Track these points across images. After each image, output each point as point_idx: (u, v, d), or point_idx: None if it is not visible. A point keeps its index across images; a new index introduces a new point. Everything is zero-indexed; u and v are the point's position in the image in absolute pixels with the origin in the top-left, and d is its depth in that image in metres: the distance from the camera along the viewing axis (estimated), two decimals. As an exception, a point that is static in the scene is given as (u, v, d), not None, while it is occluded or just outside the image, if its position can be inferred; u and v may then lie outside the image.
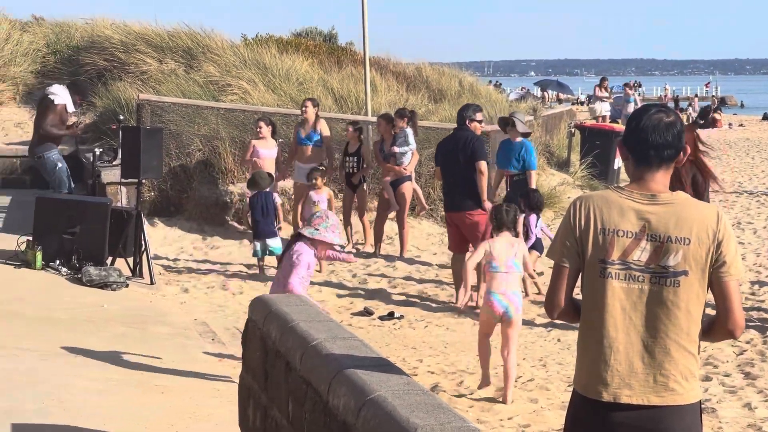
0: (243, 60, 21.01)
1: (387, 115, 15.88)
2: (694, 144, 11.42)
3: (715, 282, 4.29)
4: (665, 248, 4.30)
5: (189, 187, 16.87)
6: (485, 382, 9.22)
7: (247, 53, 21.62)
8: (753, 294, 13.36)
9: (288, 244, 8.81)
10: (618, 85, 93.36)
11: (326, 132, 15.79)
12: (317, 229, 8.48)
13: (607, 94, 35.37)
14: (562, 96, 68.75)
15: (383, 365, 5.07)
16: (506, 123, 14.85)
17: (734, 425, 8.34)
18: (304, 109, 15.64)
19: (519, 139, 14.54)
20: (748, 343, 11.05)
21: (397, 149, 15.20)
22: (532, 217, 12.85)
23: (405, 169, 15.33)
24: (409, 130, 15.32)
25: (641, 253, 4.33)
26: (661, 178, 4.42)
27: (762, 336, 11.29)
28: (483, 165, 12.41)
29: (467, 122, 12.61)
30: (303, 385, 5.25)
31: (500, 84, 69.87)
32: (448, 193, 12.72)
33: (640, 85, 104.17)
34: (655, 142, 4.43)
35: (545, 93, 64.53)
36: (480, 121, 12.74)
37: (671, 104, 63.66)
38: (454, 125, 13.34)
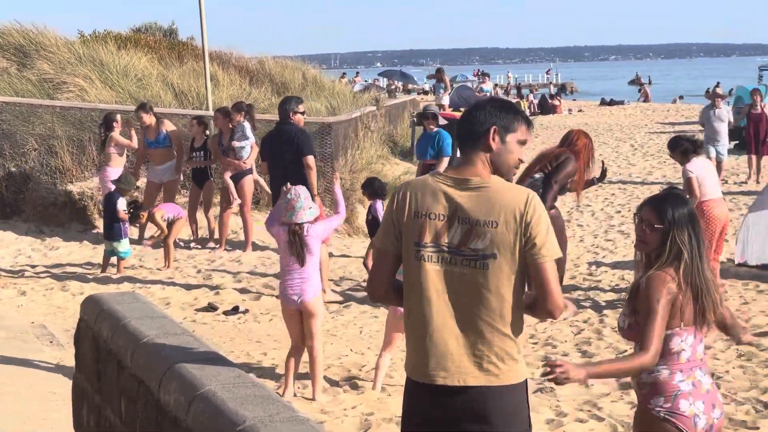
0: (78, 57, 20.58)
1: (224, 108, 15.79)
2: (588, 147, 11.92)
3: (530, 264, 4.35)
4: (474, 231, 4.36)
5: (25, 188, 16.50)
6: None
7: (83, 50, 21.18)
8: (591, 275, 13.69)
9: (296, 240, 8.56)
10: (462, 74, 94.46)
11: (171, 128, 15.73)
12: (304, 210, 8.50)
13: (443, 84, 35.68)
14: (407, 86, 69.29)
15: (214, 359, 5.04)
16: (425, 116, 15.04)
17: (571, 402, 8.52)
18: (140, 120, 15.54)
19: (435, 129, 14.67)
20: (585, 322, 11.32)
21: (235, 143, 15.11)
22: (378, 204, 12.90)
23: (245, 162, 15.24)
24: (247, 124, 15.22)
25: (453, 236, 4.40)
26: (476, 163, 4.48)
27: (598, 315, 11.57)
28: (311, 159, 12.32)
29: (290, 115, 12.45)
30: (135, 384, 5.18)
31: (358, 74, 70.10)
32: (277, 189, 12.43)
33: (483, 74, 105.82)
34: (462, 129, 4.55)
35: (395, 83, 64.92)
36: (303, 113, 12.66)
37: (514, 91, 64.78)
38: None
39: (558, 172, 11.68)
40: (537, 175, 11.92)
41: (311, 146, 12.56)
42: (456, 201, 4.41)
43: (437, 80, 34.81)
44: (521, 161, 4.59)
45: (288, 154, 12.24)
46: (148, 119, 15.63)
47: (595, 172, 12.38)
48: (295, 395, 8.63)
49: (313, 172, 12.35)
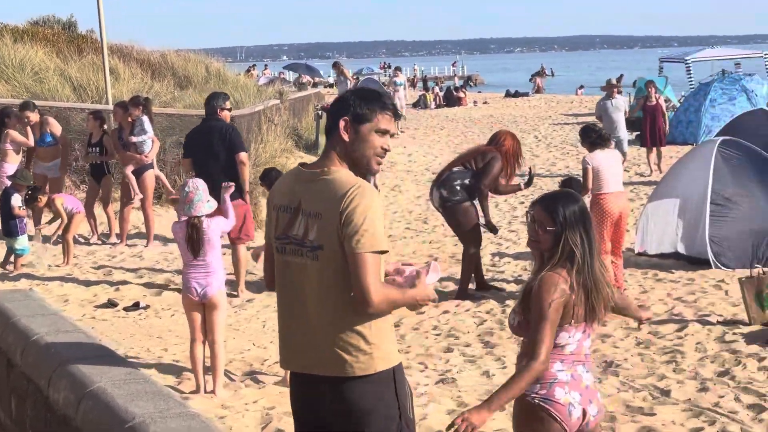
0: (-29, 51, 20.21)
1: (123, 103, 15.57)
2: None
3: (347, 255, 4.28)
4: (310, 223, 4.38)
5: None
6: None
7: (-24, 44, 20.80)
8: (494, 265, 13.78)
9: (194, 233, 8.44)
10: (368, 67, 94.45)
11: (57, 130, 15.47)
12: (202, 203, 8.39)
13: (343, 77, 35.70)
14: (314, 79, 69.09)
15: (106, 356, 4.98)
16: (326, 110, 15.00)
17: (473, 393, 8.55)
18: (26, 119, 15.23)
19: None
20: (488, 313, 11.39)
21: (134, 138, 14.92)
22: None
23: (146, 157, 15.05)
24: (145, 118, 15.02)
25: (298, 228, 4.42)
26: (330, 156, 4.49)
27: (501, 306, 11.64)
28: (244, 155, 12.28)
29: (218, 111, 12.36)
30: (24, 382, 5.10)
31: (267, 66, 69.61)
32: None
33: (390, 66, 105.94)
34: (327, 122, 4.60)
35: (305, 77, 64.67)
36: (229, 110, 12.58)
37: (420, 84, 64.94)
38: (200, 111, 13.14)
39: (486, 175, 11.99)
40: (456, 169, 12.08)
41: (242, 143, 12.53)
42: (301, 193, 4.43)
43: (338, 73, 34.82)
44: (386, 150, 4.54)
45: (219, 150, 12.11)
46: (34, 117, 15.32)
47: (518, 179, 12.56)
48: (205, 390, 8.55)
49: (246, 168, 12.28)
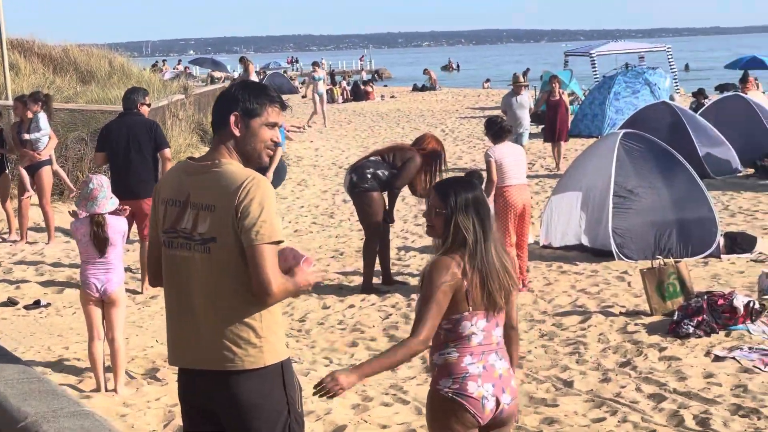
0: None
1: (23, 97, 15.30)
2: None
3: (245, 247, 4.29)
4: (200, 216, 4.37)
5: None
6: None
7: None
8: (399, 259, 13.79)
9: (98, 230, 8.28)
10: (275, 61, 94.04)
11: None
12: (106, 200, 8.33)
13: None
14: (221, 74, 68.65)
15: (0, 356, 4.87)
16: None
17: (377, 387, 8.55)
18: None
19: None
20: (393, 307, 11.40)
21: (28, 135, 14.68)
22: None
23: (39, 154, 14.78)
24: (43, 115, 14.79)
25: (186, 222, 4.40)
26: (220, 150, 4.48)
27: (407, 299, 11.65)
28: (168, 152, 12.26)
29: (138, 106, 12.23)
30: None
31: (180, 61, 68.89)
32: (121, 181, 12.03)
33: (297, 61, 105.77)
34: (212, 115, 4.59)
35: (216, 72, 64.16)
36: (149, 105, 12.50)
37: (328, 78, 64.86)
38: (103, 106, 13.01)
39: (400, 175, 12.09)
40: (372, 158, 12.17)
41: (166, 138, 12.52)
42: (189, 186, 4.42)
43: (243, 69, 34.68)
44: (276, 143, 4.56)
45: (144, 145, 12.04)
46: None
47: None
48: (106, 389, 8.44)
49: (170, 164, 12.14)
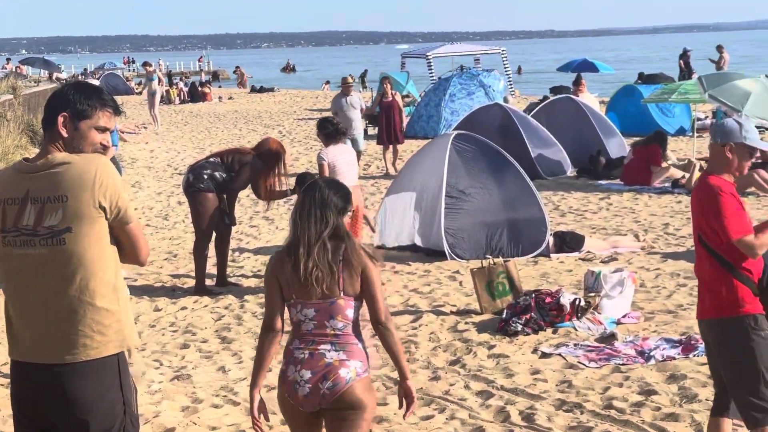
0: None
1: None
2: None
3: (116, 228, 4.44)
4: (46, 209, 4.35)
5: None
6: None
7: None
8: (234, 261, 13.69)
9: None
10: (111, 62, 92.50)
11: None
12: None
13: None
14: (54, 74, 67.14)
15: None
16: None
17: (208, 389, 8.49)
18: None
19: None
20: (226, 308, 11.32)
21: None
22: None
23: None
24: None
25: (28, 218, 4.39)
26: (50, 150, 4.48)
27: (240, 300, 11.59)
28: None
29: None
30: None
31: (9, 60, 66.92)
32: None
33: (133, 61, 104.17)
34: (43, 115, 4.60)
35: (56, 73, 62.76)
36: None
37: (166, 79, 64.06)
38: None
39: (236, 178, 12.04)
40: (212, 159, 12.07)
41: None
42: (28, 183, 4.40)
43: (148, 73, 34.53)
44: (105, 146, 4.58)
45: None
46: None
47: (290, 184, 12.50)
48: None
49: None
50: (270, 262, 5.27)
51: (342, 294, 5.15)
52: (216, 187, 11.97)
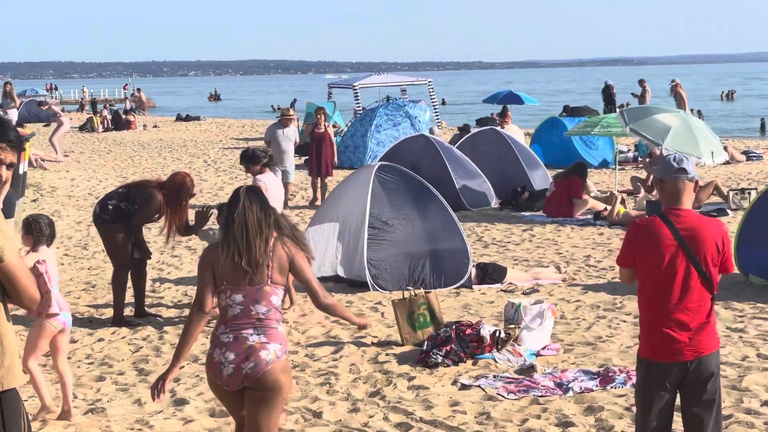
0: None
1: None
2: None
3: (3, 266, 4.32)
4: None
5: None
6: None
7: None
8: (154, 291, 13.53)
9: None
10: (33, 88, 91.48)
11: None
12: None
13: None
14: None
15: None
16: None
17: (122, 422, 8.35)
18: None
19: None
20: (144, 339, 11.17)
21: None
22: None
23: None
24: None
25: None
26: None
27: (158, 332, 11.44)
28: None
29: None
30: None
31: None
32: None
33: (56, 88, 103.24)
34: None
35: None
36: None
37: (89, 107, 63.50)
38: None
39: (137, 214, 11.76)
40: (121, 190, 11.88)
41: None
42: None
43: (6, 96, 33.76)
44: (3, 180, 4.52)
45: None
46: None
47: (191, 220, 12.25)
48: None
49: None
50: (204, 252, 5.97)
51: (269, 281, 5.85)
52: (121, 217, 11.74)
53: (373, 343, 10.77)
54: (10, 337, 4.44)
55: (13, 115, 32.57)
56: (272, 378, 5.75)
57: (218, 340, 5.83)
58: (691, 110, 25.16)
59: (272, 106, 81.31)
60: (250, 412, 5.84)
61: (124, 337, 11.29)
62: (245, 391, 5.82)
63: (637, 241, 5.97)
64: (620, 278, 6.30)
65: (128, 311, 12.12)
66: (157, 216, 11.95)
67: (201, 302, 5.85)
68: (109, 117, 51.20)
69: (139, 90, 58.73)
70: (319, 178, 22.29)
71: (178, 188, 11.82)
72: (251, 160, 12.38)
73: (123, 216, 11.73)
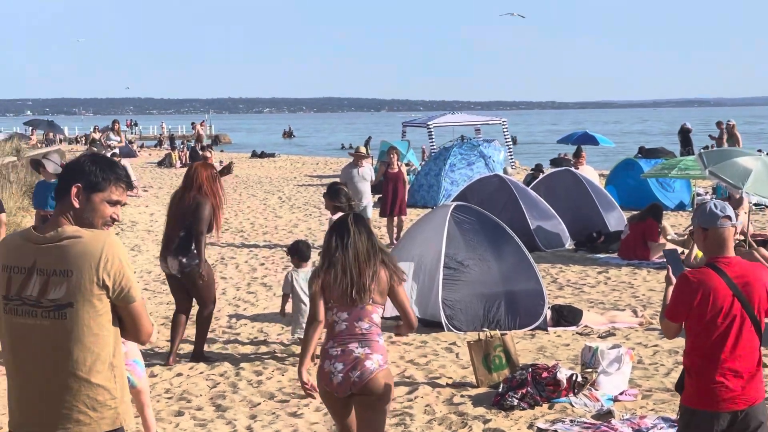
0: None
1: None
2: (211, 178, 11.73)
3: (120, 307, 4.43)
4: (51, 282, 4.36)
5: None
6: None
7: None
8: (230, 327, 13.64)
9: None
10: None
11: None
12: None
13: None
14: (58, 136, 67.45)
15: None
16: (38, 164, 14.53)
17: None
18: None
19: (54, 179, 14.28)
20: (221, 375, 11.26)
21: None
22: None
23: None
24: None
25: (33, 289, 4.39)
26: (59, 219, 4.50)
27: (235, 368, 11.53)
28: (4, 216, 12.67)
29: None
30: None
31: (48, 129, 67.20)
32: None
33: (136, 124, 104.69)
34: (58, 183, 4.61)
35: (52, 134, 63.00)
36: None
37: (167, 143, 64.27)
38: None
39: (199, 222, 11.60)
40: (182, 234, 11.62)
41: (2, 204, 12.90)
42: (36, 254, 4.41)
43: (112, 129, 35.05)
44: (115, 219, 4.61)
45: None
46: None
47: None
48: None
49: (4, 229, 12.57)
50: (314, 272, 6.71)
51: (371, 301, 6.59)
52: (199, 255, 11.71)
53: (448, 384, 10.76)
54: (124, 375, 4.57)
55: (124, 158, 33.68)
56: (377, 385, 6.51)
57: (327, 353, 6.59)
58: (759, 150, 24.83)
59: (342, 144, 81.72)
60: (360, 416, 6.62)
61: (201, 373, 11.40)
62: (354, 398, 6.57)
63: (692, 295, 5.86)
64: (665, 332, 6.17)
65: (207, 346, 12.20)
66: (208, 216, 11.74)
67: (315, 313, 6.63)
68: (186, 152, 51.79)
69: (201, 123, 59.15)
70: (395, 218, 22.03)
71: (208, 180, 11.76)
72: (333, 196, 12.21)
73: (198, 245, 11.66)
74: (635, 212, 21.26)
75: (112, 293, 4.36)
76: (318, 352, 7.22)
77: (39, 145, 51.00)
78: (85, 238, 4.38)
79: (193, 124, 64.18)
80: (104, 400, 4.39)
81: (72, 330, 4.33)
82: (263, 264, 19.16)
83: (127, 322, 4.47)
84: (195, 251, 11.65)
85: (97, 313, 4.35)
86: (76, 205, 4.47)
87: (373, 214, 21.93)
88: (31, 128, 64.67)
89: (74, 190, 4.47)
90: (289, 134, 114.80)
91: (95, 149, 38.98)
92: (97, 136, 56.20)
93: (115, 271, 4.35)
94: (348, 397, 6.58)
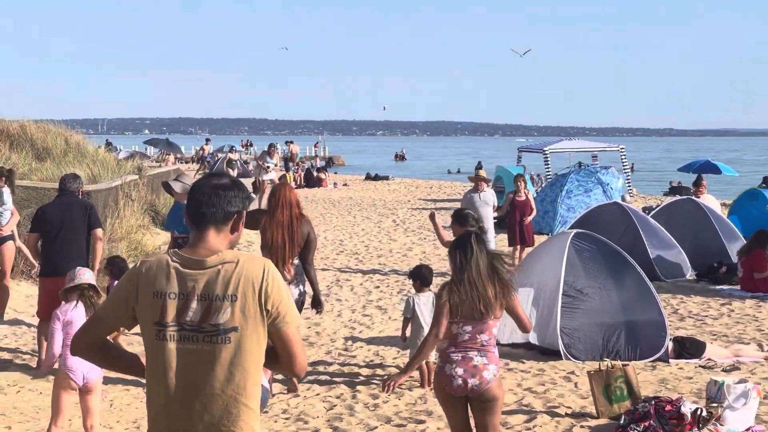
0: None
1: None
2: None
3: (275, 332, 4.41)
4: (214, 307, 4.36)
5: None
6: None
7: None
8: (346, 350, 13.66)
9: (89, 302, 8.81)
10: (230, 144, 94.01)
11: None
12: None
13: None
14: (175, 155, 68.51)
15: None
16: (169, 187, 14.63)
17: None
18: None
19: (184, 200, 14.36)
20: (338, 398, 11.27)
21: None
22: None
23: (2, 229, 14.62)
24: (6, 189, 14.66)
25: (193, 314, 4.38)
26: (215, 242, 4.49)
27: (351, 391, 11.53)
28: (101, 231, 12.60)
29: (78, 191, 12.72)
30: None
31: (110, 143, 68.65)
32: (54, 259, 12.13)
33: (251, 144, 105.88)
34: (197, 201, 4.55)
35: (169, 153, 64.01)
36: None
37: (283, 163, 64.89)
38: (56, 184, 13.23)
39: (309, 251, 10.95)
40: (296, 261, 11.00)
41: (100, 219, 12.90)
42: (194, 279, 4.41)
43: (268, 153, 35.61)
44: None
45: (77, 225, 12.30)
46: None
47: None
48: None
49: (101, 243, 12.58)
50: (442, 289, 7.25)
51: (493, 317, 7.18)
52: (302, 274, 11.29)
53: (567, 414, 10.62)
54: None
55: (270, 174, 34.27)
56: (493, 392, 7.17)
57: (449, 357, 7.17)
58: None
59: (449, 169, 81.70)
60: (478, 418, 7.26)
61: (318, 394, 11.42)
62: (470, 401, 7.21)
63: None
64: None
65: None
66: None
67: (438, 330, 7.17)
68: (301, 174, 52.30)
69: (291, 142, 59.46)
70: (523, 248, 21.23)
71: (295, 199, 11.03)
72: (463, 222, 11.73)
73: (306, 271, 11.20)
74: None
75: (270, 318, 4.37)
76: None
77: (161, 165, 51.84)
78: (246, 263, 4.40)
79: (290, 142, 62.86)
80: (254, 423, 4.42)
81: (235, 354, 4.34)
82: (378, 287, 19.17)
83: (280, 350, 4.45)
84: (306, 280, 11.12)
85: (258, 338, 4.37)
86: (239, 230, 4.54)
87: (495, 242, 20.04)
88: (163, 151, 65.33)
89: (243, 216, 4.55)
90: (401, 157, 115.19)
91: (230, 170, 39.71)
92: (234, 157, 57.10)
93: (275, 295, 4.36)
94: (464, 397, 7.20)
